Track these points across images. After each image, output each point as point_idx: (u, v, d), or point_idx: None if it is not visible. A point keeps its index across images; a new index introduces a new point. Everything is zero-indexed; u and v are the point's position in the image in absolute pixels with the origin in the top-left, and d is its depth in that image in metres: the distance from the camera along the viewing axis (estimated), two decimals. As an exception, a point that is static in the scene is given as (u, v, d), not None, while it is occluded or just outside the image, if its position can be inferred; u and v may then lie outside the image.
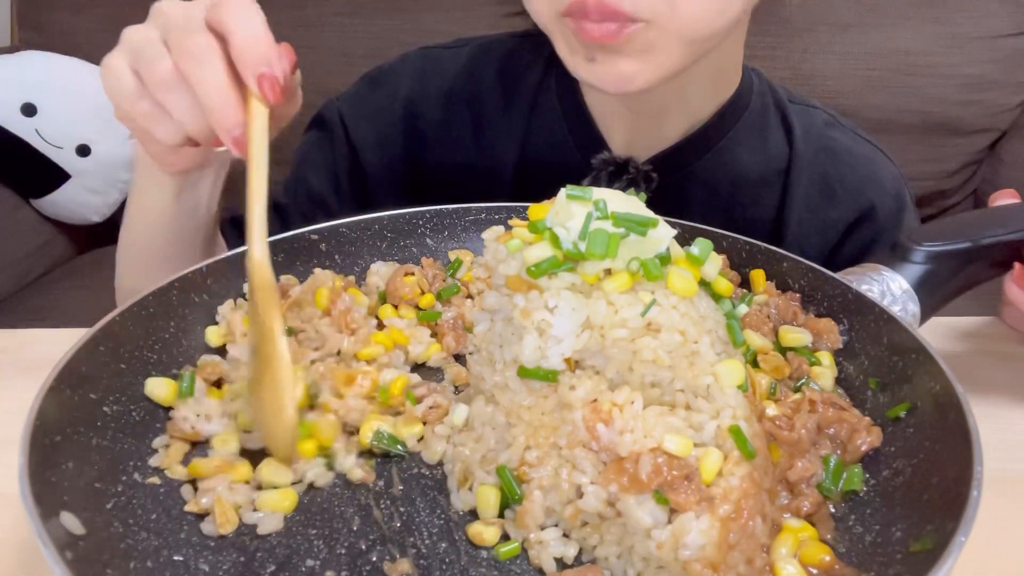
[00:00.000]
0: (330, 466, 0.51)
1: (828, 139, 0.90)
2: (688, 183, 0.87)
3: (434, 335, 0.65)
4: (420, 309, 0.66)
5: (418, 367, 0.63)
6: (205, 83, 0.54)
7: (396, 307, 0.66)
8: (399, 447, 0.53)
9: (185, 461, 0.51)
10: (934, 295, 0.63)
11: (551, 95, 0.89)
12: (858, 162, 0.89)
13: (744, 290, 0.65)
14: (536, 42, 0.91)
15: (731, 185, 0.88)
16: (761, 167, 0.88)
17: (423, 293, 0.66)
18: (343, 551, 0.46)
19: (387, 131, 0.92)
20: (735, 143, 0.87)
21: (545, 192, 0.54)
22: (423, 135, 0.92)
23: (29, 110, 1.68)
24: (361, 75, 0.95)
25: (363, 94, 0.94)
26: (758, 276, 0.66)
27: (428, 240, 0.74)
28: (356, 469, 0.51)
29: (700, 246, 0.50)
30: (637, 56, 0.67)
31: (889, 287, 0.62)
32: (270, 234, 0.54)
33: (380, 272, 0.67)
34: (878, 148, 0.92)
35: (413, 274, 0.67)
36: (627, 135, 0.86)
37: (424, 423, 0.55)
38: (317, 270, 0.66)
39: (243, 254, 0.64)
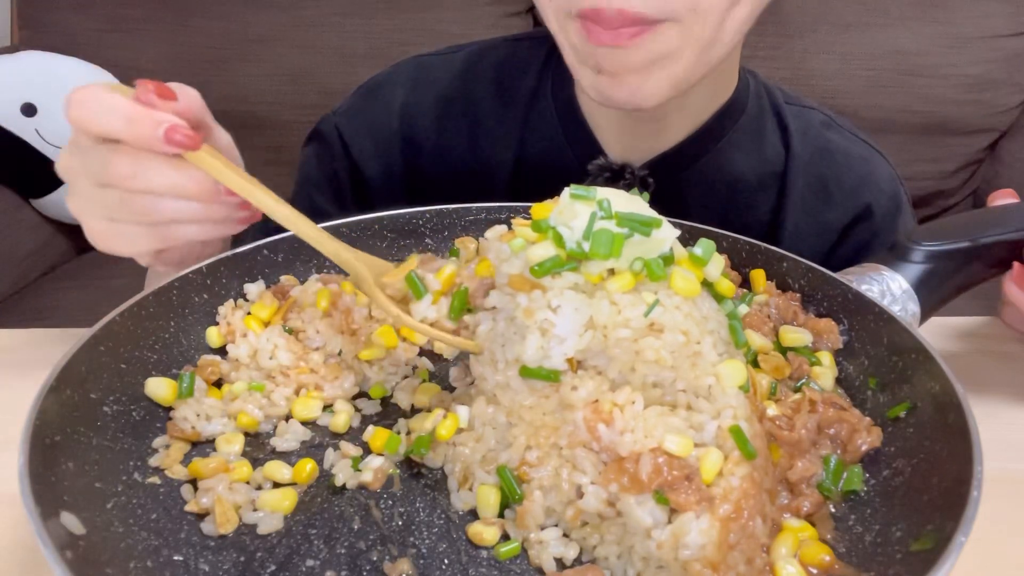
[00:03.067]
0: (356, 467, 0.51)
1: (824, 140, 0.89)
2: (684, 187, 0.86)
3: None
4: None
5: (427, 354, 0.63)
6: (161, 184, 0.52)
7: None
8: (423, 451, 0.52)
9: (185, 461, 0.51)
10: (934, 295, 0.63)
11: (547, 100, 0.88)
12: (854, 163, 0.89)
13: (744, 290, 0.65)
14: (531, 46, 0.90)
15: (727, 189, 0.87)
16: (757, 170, 0.87)
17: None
18: (343, 551, 0.46)
19: (385, 142, 0.92)
20: (732, 147, 0.86)
21: (541, 198, 0.54)
22: (420, 143, 0.92)
23: (29, 110, 1.68)
24: (355, 88, 0.95)
25: (358, 107, 0.93)
26: (758, 276, 0.66)
27: (428, 240, 0.74)
28: (377, 471, 0.51)
29: (703, 247, 0.50)
30: (648, 69, 0.65)
31: (889, 287, 0.62)
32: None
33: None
34: (875, 148, 0.92)
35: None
36: (624, 140, 0.85)
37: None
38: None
39: (242, 254, 0.64)
